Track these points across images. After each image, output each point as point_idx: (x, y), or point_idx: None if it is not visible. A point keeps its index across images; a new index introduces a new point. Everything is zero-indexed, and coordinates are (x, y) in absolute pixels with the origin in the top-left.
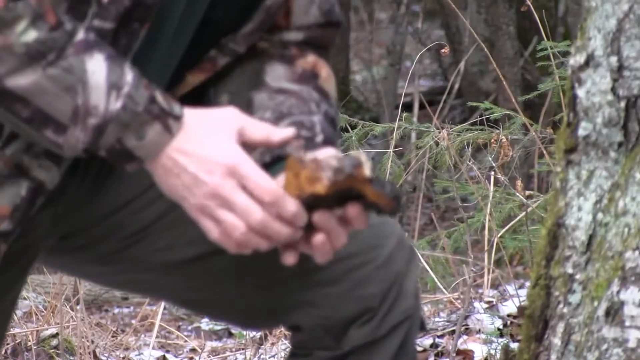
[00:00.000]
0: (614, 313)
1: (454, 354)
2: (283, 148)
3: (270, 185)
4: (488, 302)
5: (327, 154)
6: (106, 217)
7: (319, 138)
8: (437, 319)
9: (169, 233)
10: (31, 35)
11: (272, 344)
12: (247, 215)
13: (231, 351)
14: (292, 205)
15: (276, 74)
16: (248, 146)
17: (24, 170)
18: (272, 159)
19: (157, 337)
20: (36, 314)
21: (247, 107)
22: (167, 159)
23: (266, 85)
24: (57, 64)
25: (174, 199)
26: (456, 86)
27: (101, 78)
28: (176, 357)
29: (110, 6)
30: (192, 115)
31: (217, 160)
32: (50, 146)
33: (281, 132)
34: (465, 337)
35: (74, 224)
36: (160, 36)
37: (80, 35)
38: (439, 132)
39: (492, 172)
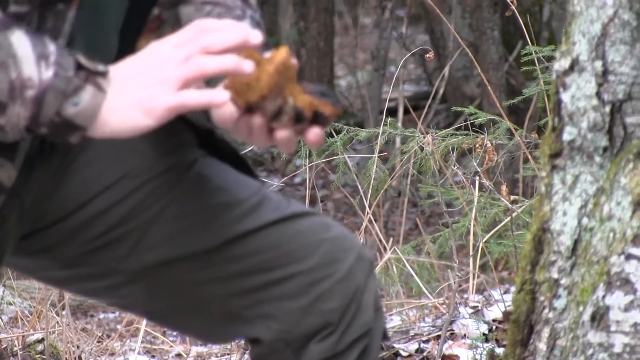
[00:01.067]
0: (599, 318)
1: (439, 359)
2: None
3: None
4: (473, 307)
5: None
6: (70, 214)
7: (237, 12)
8: (422, 324)
9: (131, 237)
10: None
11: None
12: (192, 49)
13: (217, 356)
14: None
15: (186, 16)
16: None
17: None
18: None
19: (142, 342)
20: (22, 319)
21: (175, 23)
22: (110, 103)
23: (171, 18)
24: None
25: (146, 107)
26: (441, 91)
27: (28, 49)
28: None
29: None
30: (115, 68)
31: (160, 57)
32: None
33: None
34: (450, 342)
35: (38, 220)
36: (98, 14)
37: None
38: (424, 137)
39: (477, 177)
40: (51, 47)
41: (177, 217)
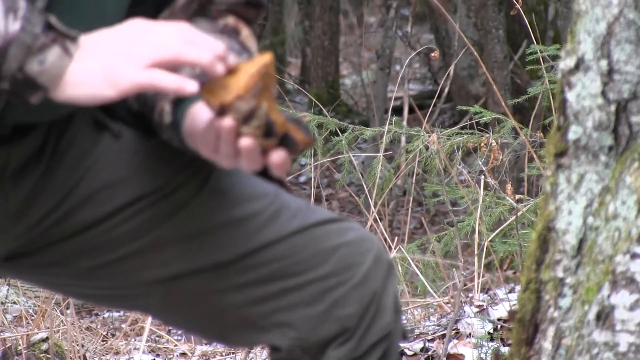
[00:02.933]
0: (604, 317)
1: (444, 358)
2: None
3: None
4: (478, 306)
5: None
6: (86, 229)
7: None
8: (427, 323)
9: (146, 253)
10: None
11: (262, 347)
12: (167, 37)
13: (221, 355)
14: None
15: (199, 26)
16: None
17: None
18: None
19: (147, 341)
20: (26, 318)
21: None
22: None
23: None
24: None
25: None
26: (446, 90)
27: None
28: None
29: None
30: (89, 36)
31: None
32: None
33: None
34: (455, 341)
35: (49, 233)
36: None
37: None
38: (429, 136)
39: (482, 176)
40: (21, 3)
41: (192, 234)
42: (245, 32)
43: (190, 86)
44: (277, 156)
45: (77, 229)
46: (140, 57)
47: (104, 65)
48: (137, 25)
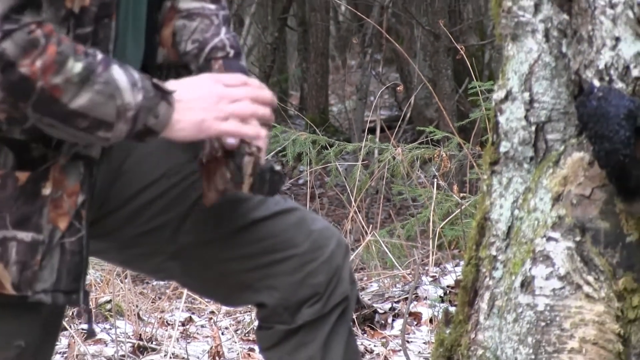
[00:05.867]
0: (527, 285)
1: (407, 315)
2: None
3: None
4: (432, 277)
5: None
6: (125, 203)
7: (231, 53)
8: (394, 289)
9: (172, 223)
10: (78, 67)
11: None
12: (242, 95)
13: (240, 313)
14: (266, 92)
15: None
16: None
17: (78, 155)
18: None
19: (185, 302)
20: (94, 286)
21: (174, 36)
22: (180, 121)
23: (178, 10)
24: (98, 81)
25: (197, 130)
26: (408, 115)
27: (124, 80)
28: (199, 317)
29: (83, 15)
30: (176, 87)
31: (204, 99)
32: (97, 142)
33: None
34: (415, 302)
35: (100, 208)
36: (124, 17)
37: (99, 55)
38: (395, 149)
39: (435, 179)
40: (136, 75)
41: (205, 209)
42: None
43: (252, 133)
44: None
45: (124, 200)
46: (222, 114)
47: (198, 120)
48: (215, 83)
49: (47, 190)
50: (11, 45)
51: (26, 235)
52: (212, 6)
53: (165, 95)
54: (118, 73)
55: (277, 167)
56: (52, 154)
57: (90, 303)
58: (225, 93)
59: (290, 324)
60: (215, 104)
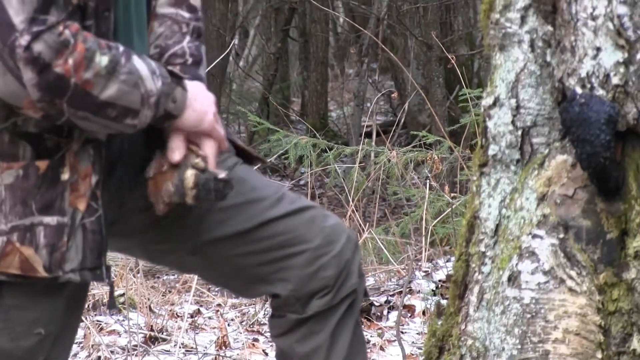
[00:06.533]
0: (514, 279)
1: (402, 308)
2: None
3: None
4: (425, 271)
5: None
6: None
7: (189, 61)
8: (389, 283)
9: (193, 222)
10: (104, 60)
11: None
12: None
13: (245, 305)
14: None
15: (161, 2)
16: None
17: (88, 139)
18: None
19: (193, 295)
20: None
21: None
22: (189, 107)
23: (155, 14)
24: (123, 71)
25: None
26: (402, 120)
27: (145, 69)
28: (207, 309)
29: (86, 8)
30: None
31: (205, 98)
32: (125, 129)
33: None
34: (409, 296)
35: (122, 208)
36: (128, 16)
37: (120, 47)
38: (390, 152)
39: (428, 180)
40: (153, 63)
41: (224, 208)
42: None
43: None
44: (158, 203)
45: (149, 202)
46: (212, 113)
47: (203, 111)
48: (202, 89)
49: (65, 176)
50: (45, 47)
51: (52, 220)
52: (187, 15)
53: (180, 81)
54: (139, 62)
55: (222, 175)
56: (64, 141)
57: (105, 296)
58: (212, 103)
59: (301, 314)
60: (209, 107)
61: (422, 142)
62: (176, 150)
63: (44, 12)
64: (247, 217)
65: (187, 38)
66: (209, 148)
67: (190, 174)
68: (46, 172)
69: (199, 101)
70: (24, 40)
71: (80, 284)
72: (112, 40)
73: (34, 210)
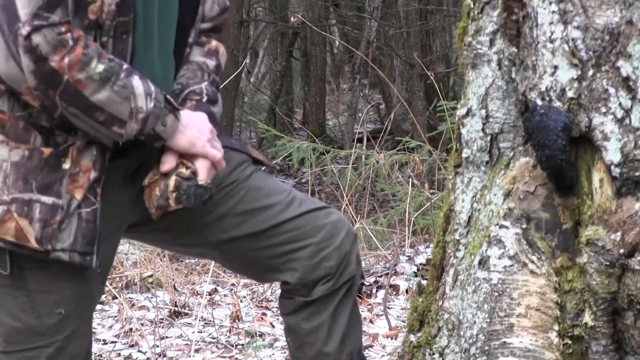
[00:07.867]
0: (484, 263)
1: (388, 287)
2: None
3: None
4: (408, 256)
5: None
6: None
7: (205, 99)
8: (377, 266)
9: (213, 223)
10: (100, 68)
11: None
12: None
13: (255, 285)
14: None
15: (194, 52)
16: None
17: (93, 141)
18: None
19: (211, 276)
20: (139, 263)
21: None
22: (181, 132)
23: (188, 60)
24: (117, 83)
25: (187, 146)
26: (388, 127)
27: (141, 89)
28: (223, 288)
29: (103, 26)
30: (186, 112)
31: (202, 127)
32: (113, 136)
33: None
34: (394, 277)
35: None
36: (150, 44)
37: (125, 65)
38: (379, 155)
39: (410, 179)
40: (152, 87)
41: (241, 212)
42: (222, 50)
43: (218, 157)
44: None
45: None
46: (207, 140)
47: (192, 137)
48: (203, 121)
49: (66, 165)
50: (43, 40)
51: (48, 199)
52: (212, 64)
53: (174, 110)
54: (137, 82)
55: (202, 182)
56: (72, 139)
57: (135, 277)
58: (207, 128)
59: (307, 297)
60: (203, 132)
61: (405, 146)
62: (166, 162)
63: (48, 11)
64: (261, 220)
65: (206, 82)
66: (200, 164)
67: (172, 180)
68: (49, 158)
69: (195, 128)
70: (24, 30)
71: (94, 271)
72: (129, 62)
73: (34, 188)
